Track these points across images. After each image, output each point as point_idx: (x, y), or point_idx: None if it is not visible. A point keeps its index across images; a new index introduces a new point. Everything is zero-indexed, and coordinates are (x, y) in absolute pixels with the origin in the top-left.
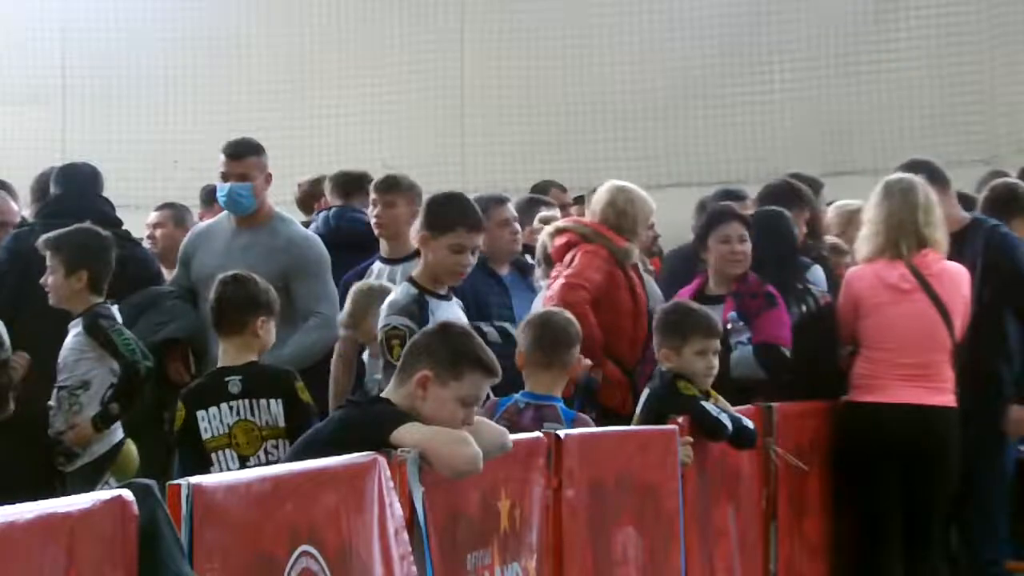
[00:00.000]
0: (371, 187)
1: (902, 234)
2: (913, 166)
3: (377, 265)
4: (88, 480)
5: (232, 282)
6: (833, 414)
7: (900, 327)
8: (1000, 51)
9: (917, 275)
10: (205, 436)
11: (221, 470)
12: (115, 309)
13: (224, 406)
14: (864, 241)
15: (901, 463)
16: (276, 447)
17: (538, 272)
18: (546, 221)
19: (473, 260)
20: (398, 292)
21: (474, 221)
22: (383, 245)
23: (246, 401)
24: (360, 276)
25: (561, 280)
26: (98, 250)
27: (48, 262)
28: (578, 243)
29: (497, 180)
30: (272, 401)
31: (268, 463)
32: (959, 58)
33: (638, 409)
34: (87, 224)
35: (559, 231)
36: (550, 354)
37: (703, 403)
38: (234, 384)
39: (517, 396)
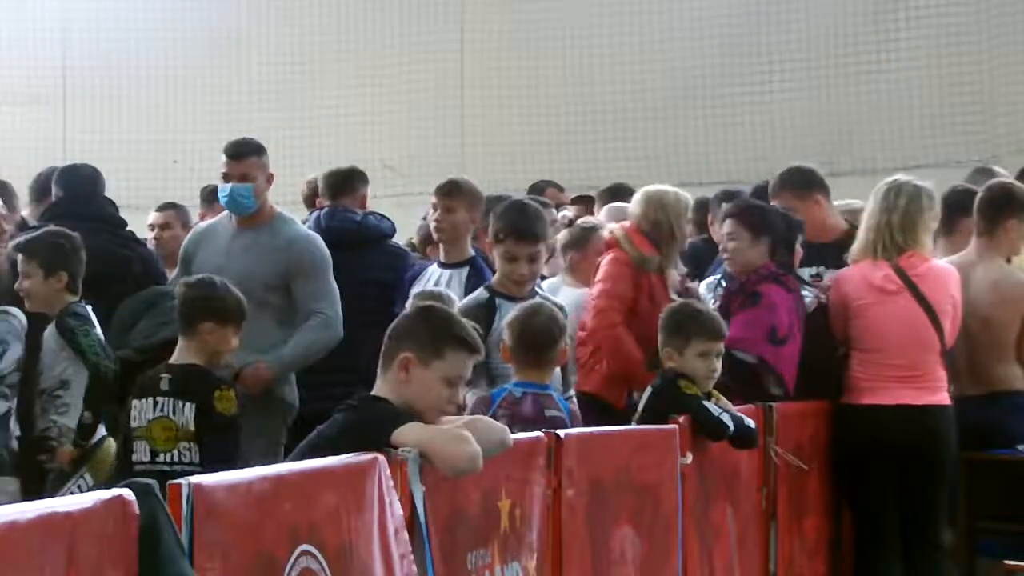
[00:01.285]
0: (433, 191)
1: (880, 236)
2: (784, 173)
3: (433, 269)
4: (65, 476)
5: (193, 285)
6: (830, 415)
7: (886, 328)
8: (999, 51)
9: (902, 276)
10: (132, 424)
11: (139, 459)
12: (89, 308)
13: (150, 400)
14: (856, 242)
15: (898, 463)
16: (188, 450)
17: (559, 263)
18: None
19: (528, 268)
20: (470, 296)
21: (522, 231)
22: (441, 249)
23: (170, 400)
24: (415, 278)
25: (592, 302)
26: (72, 251)
27: (21, 267)
28: (614, 246)
29: (497, 180)
30: (187, 404)
31: (179, 463)
32: (958, 58)
33: (639, 408)
34: (54, 227)
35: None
36: (534, 355)
37: (704, 403)
38: (165, 382)
39: (510, 386)
